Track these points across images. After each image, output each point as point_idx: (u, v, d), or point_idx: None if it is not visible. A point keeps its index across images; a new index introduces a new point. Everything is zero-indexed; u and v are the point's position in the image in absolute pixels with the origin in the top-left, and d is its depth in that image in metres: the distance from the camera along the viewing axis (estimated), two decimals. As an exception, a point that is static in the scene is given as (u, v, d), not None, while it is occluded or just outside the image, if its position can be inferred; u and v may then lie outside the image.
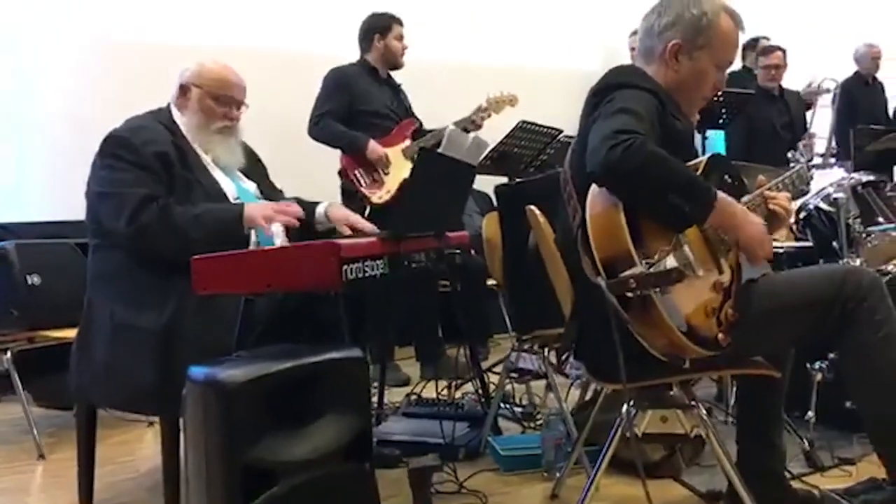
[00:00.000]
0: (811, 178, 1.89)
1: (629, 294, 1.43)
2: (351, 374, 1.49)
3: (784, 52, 4.66)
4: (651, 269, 1.42)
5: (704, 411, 1.62)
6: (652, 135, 1.51)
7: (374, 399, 2.71)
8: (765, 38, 4.87)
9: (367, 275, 1.67)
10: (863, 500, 1.82)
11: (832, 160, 3.01)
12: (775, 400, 1.89)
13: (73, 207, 2.97)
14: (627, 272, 1.42)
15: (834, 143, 3.60)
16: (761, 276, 1.64)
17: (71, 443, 2.23)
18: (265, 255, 1.61)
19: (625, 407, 1.60)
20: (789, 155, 1.93)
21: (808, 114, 4.72)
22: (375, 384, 2.76)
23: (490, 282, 3.53)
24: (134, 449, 2.79)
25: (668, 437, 1.73)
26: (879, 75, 5.34)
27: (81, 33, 3.99)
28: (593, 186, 1.54)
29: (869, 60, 5.28)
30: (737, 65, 4.65)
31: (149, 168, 2.01)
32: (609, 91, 1.61)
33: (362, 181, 3.46)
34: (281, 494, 1.34)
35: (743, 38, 1.75)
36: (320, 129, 3.50)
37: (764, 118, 4.45)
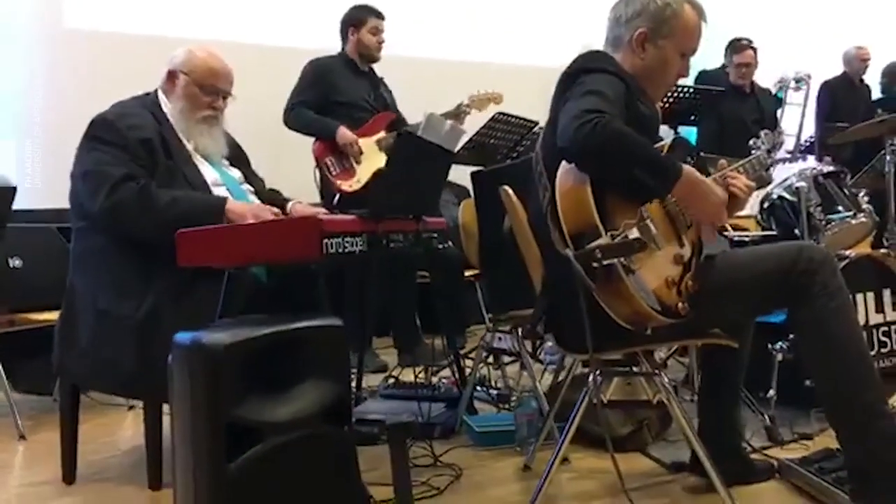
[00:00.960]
0: (770, 163, 1.99)
1: (595, 264, 1.51)
2: (330, 341, 1.55)
3: (755, 50, 4.78)
4: (615, 241, 1.50)
5: (666, 378, 1.71)
6: (618, 116, 1.60)
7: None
8: (747, 39, 5.00)
9: (346, 250, 1.74)
10: (817, 468, 1.93)
11: (803, 155, 3.14)
12: (735, 375, 1.99)
13: (55, 195, 3.04)
14: (594, 243, 1.51)
15: (805, 139, 3.72)
16: (720, 252, 1.73)
17: (50, 425, 2.27)
18: (249, 228, 1.67)
19: (591, 375, 1.68)
20: (751, 143, 2.02)
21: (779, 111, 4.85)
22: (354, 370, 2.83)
23: (467, 273, 3.62)
24: (115, 430, 2.83)
25: (632, 403, 1.82)
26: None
27: (49, 21, 4.01)
28: (563, 164, 1.62)
29: (858, 62, 5.41)
30: (717, 62, 4.81)
31: (132, 151, 2.04)
32: (579, 75, 1.70)
33: (333, 169, 3.51)
34: (264, 452, 1.40)
35: (706, 30, 1.85)
36: (294, 117, 3.56)
37: (735, 114, 4.56)
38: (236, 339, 1.40)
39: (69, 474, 2.20)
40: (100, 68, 3.93)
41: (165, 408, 1.88)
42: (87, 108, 2.17)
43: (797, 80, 3.88)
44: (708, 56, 5.08)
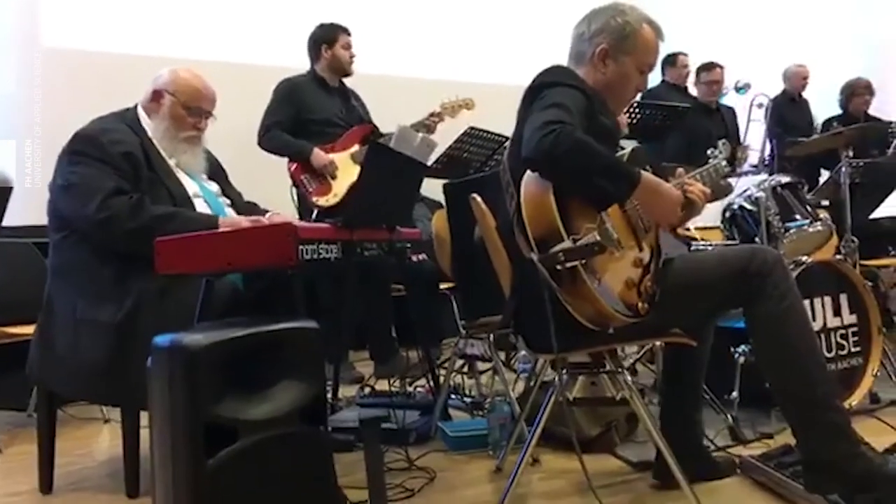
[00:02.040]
0: (726, 172, 2.09)
1: (559, 267, 1.59)
2: (307, 342, 1.60)
3: (722, 68, 5.00)
4: (577, 244, 1.58)
5: (629, 376, 1.78)
6: (580, 127, 1.68)
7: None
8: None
9: (321, 257, 1.80)
10: (776, 463, 2.01)
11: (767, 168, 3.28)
12: (696, 374, 2.07)
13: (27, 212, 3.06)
14: (557, 247, 1.59)
15: (767, 153, 3.87)
16: (678, 255, 1.82)
17: (26, 438, 2.28)
18: (226, 235, 1.72)
19: (556, 375, 1.75)
20: (709, 152, 2.13)
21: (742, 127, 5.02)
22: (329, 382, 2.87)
23: (442, 286, 3.69)
24: (91, 443, 2.84)
25: (596, 400, 1.89)
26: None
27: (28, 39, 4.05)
28: (528, 173, 1.70)
29: (798, 79, 5.64)
30: (656, 79, 4.98)
31: (116, 166, 2.08)
32: (542, 88, 1.79)
33: (309, 186, 3.57)
34: (241, 449, 1.45)
35: (663, 49, 1.95)
36: (268, 139, 3.63)
37: (703, 129, 4.72)
38: (215, 340, 1.45)
39: (46, 484, 2.22)
40: (79, 87, 3.98)
41: (143, 420, 1.93)
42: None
43: (738, 89, 4.03)
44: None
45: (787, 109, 5.28)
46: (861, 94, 5.29)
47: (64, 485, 2.27)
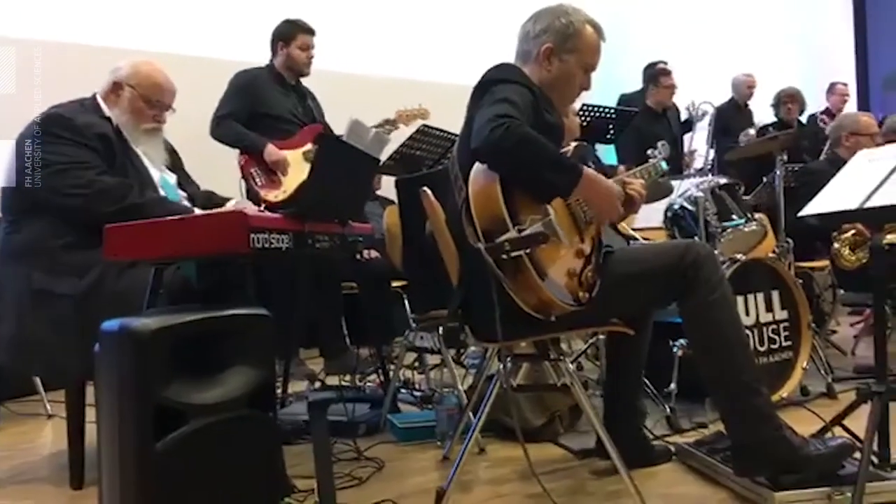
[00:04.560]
0: (664, 171, 2.19)
1: (504, 256, 1.65)
2: (256, 329, 1.63)
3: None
4: (522, 234, 1.64)
5: (570, 364, 1.86)
6: (527, 122, 1.75)
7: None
8: (662, 62, 5.35)
9: (273, 246, 1.81)
10: (708, 449, 2.11)
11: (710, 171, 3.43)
12: (636, 365, 2.16)
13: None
14: (502, 237, 1.65)
15: (710, 157, 4.02)
16: (618, 248, 1.90)
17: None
18: (177, 222, 1.73)
19: (499, 364, 1.81)
20: (648, 152, 2.22)
21: (688, 133, 5.21)
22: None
23: (395, 284, 3.72)
24: (34, 438, 2.80)
25: (539, 387, 1.95)
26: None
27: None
28: (476, 165, 1.76)
29: (745, 88, 5.85)
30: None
31: (93, 147, 2.10)
32: (491, 84, 1.85)
33: (258, 181, 3.56)
34: (190, 433, 1.46)
35: (605, 47, 2.03)
36: (220, 129, 3.60)
37: (653, 133, 4.86)
38: (164, 325, 1.46)
39: (-13, 477, 2.19)
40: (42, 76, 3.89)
41: (88, 416, 1.91)
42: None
43: (703, 113, 4.20)
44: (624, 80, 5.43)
45: (732, 117, 5.47)
46: (785, 102, 5.53)
47: (6, 477, 2.25)
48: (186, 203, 2.33)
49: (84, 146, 2.07)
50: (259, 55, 3.84)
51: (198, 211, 2.28)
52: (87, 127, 2.10)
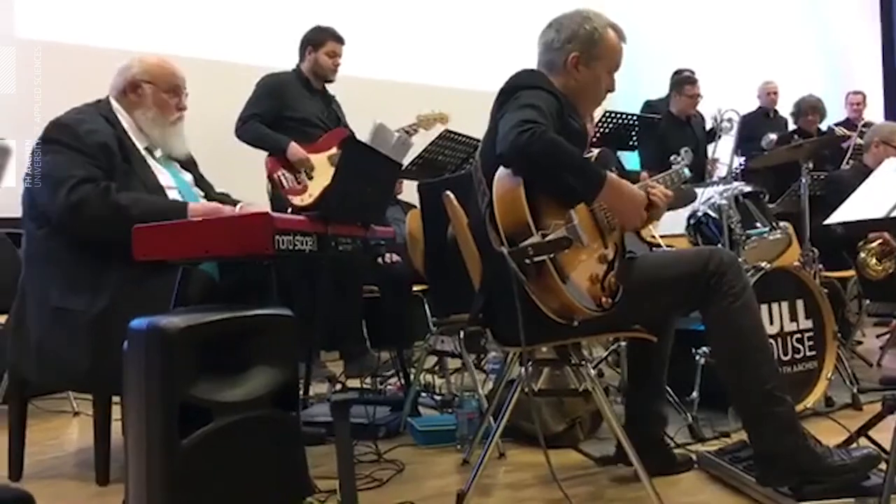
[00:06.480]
0: (687, 177, 2.18)
1: (527, 261, 1.65)
2: (280, 329, 1.65)
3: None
4: (546, 239, 1.65)
5: (592, 369, 1.85)
6: (552, 128, 1.76)
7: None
8: (689, 70, 5.33)
9: (296, 247, 1.83)
10: (731, 458, 2.10)
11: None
12: (658, 371, 2.15)
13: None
14: (526, 241, 1.66)
15: (736, 165, 3.99)
16: (641, 254, 1.90)
17: (-6, 429, 2.28)
18: (204, 224, 1.75)
19: (520, 368, 1.81)
20: (671, 158, 2.22)
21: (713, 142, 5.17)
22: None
23: (416, 288, 3.74)
24: (60, 434, 2.85)
25: (560, 392, 1.95)
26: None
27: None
28: (500, 170, 1.77)
29: (766, 96, 5.82)
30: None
31: (90, 155, 2.10)
32: (516, 90, 1.86)
33: (285, 183, 3.59)
34: (215, 430, 1.49)
35: (630, 53, 2.04)
36: (245, 130, 3.64)
37: (677, 140, 4.84)
38: (191, 324, 1.49)
39: (16, 472, 2.22)
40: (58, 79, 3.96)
41: (114, 413, 1.94)
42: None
43: (728, 120, 4.19)
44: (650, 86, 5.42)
45: (761, 125, 5.42)
46: (806, 112, 5.48)
47: (34, 473, 2.28)
48: (203, 201, 2.35)
49: (80, 153, 2.08)
50: (287, 61, 3.88)
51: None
52: (89, 134, 2.11)
